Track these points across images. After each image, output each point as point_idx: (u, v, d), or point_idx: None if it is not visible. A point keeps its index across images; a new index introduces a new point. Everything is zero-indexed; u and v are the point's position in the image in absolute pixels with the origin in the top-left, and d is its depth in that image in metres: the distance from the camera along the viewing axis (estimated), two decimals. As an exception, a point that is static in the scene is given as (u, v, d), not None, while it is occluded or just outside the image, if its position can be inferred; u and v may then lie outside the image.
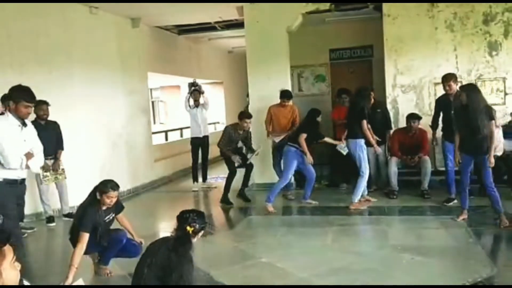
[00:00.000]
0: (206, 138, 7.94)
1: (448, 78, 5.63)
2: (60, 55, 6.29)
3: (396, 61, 6.92)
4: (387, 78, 6.91)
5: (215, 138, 12.19)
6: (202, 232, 2.84)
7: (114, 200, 3.72)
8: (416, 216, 5.21)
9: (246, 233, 5.15)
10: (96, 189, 3.74)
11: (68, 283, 3.33)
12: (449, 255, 4.06)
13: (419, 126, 6.16)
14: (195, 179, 7.86)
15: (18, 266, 1.76)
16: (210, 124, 13.56)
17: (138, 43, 8.04)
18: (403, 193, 6.14)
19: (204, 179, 8.02)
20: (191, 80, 8.22)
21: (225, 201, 6.44)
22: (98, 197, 3.69)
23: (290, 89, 7.21)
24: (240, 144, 6.79)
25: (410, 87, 6.92)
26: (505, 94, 6.62)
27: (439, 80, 6.73)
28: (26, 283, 2.11)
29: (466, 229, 4.66)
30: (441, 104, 5.90)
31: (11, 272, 1.71)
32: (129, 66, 7.75)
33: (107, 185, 3.70)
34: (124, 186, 7.35)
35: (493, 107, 6.18)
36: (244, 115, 6.49)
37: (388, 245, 4.36)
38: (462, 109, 4.68)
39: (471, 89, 4.70)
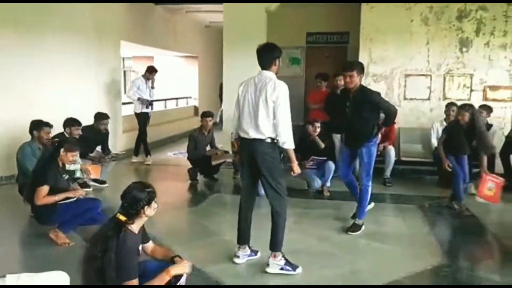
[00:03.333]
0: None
1: (351, 67, 4.26)
2: (32, 19, 6.03)
3: (370, 50, 7.01)
4: (360, 66, 6.98)
5: (185, 114, 12.18)
6: (145, 207, 2.49)
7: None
8: (377, 203, 5.34)
9: (211, 210, 5.20)
10: (58, 147, 3.96)
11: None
12: (404, 242, 4.24)
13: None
14: (148, 153, 7.89)
15: None
16: (182, 98, 13.53)
17: (113, 10, 7.79)
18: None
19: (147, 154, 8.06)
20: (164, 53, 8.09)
21: (192, 177, 6.48)
22: (63, 152, 3.94)
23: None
24: (208, 148, 6.75)
25: (382, 76, 7.05)
26: (471, 90, 6.84)
27: (410, 72, 6.94)
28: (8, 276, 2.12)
29: (422, 219, 4.88)
30: (341, 101, 4.57)
31: None
32: (103, 33, 7.54)
33: (72, 145, 4.04)
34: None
35: (458, 102, 6.42)
36: (205, 114, 6.61)
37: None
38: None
39: None
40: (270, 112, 3.34)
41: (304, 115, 8.18)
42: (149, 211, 2.53)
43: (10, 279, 2.19)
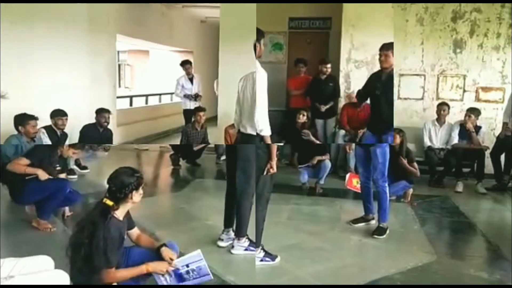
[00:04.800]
0: None
1: (387, 46, 4.08)
2: (21, 7, 5.79)
3: (352, 36, 6.92)
4: (342, 52, 6.94)
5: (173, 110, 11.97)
6: (133, 192, 2.43)
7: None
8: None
9: (194, 195, 5.19)
10: None
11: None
12: (395, 239, 4.15)
13: (368, 102, 6.20)
14: None
15: None
16: (166, 94, 13.30)
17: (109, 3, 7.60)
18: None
19: None
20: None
21: (174, 162, 6.45)
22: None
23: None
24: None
25: (363, 62, 6.98)
26: (464, 91, 6.85)
27: (405, 72, 6.93)
28: None
29: (413, 217, 4.83)
30: (372, 82, 4.41)
31: None
32: (98, 25, 7.25)
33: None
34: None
35: (451, 103, 6.48)
36: (198, 109, 6.57)
37: (339, 226, 4.45)
38: None
39: None
40: None
41: (286, 101, 8.03)
42: (136, 196, 2.47)
43: None
